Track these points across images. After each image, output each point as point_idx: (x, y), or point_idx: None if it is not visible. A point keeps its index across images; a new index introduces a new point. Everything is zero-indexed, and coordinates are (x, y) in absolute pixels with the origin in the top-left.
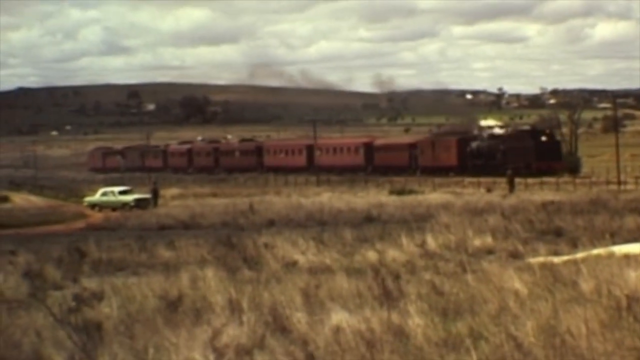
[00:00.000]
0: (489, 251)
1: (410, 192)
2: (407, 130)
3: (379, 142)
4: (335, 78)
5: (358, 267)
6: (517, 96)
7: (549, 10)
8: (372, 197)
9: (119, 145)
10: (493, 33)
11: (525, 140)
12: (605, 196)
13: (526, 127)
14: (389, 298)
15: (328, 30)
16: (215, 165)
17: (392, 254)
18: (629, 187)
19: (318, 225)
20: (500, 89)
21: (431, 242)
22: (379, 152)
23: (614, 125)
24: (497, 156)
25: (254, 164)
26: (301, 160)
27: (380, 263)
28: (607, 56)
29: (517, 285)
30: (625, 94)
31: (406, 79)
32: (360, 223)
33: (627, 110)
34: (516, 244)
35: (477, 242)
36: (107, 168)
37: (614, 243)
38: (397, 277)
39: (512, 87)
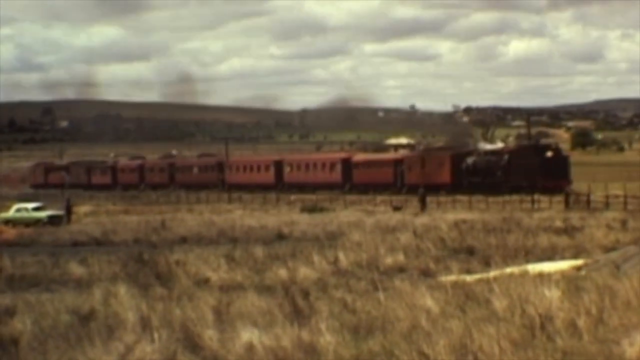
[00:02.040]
0: (401, 269)
1: (322, 209)
2: (318, 148)
3: (359, 157)
4: (247, 95)
5: (269, 284)
6: (430, 114)
7: (461, 28)
8: (284, 214)
9: (63, 161)
10: (405, 51)
11: (529, 156)
12: (518, 215)
13: (529, 142)
14: (300, 316)
15: (240, 47)
16: (170, 182)
17: (304, 271)
18: (542, 205)
19: (230, 242)
20: (412, 107)
21: (343, 260)
22: (358, 169)
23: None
24: (496, 173)
25: (215, 180)
26: (269, 177)
27: (291, 281)
28: (521, 74)
29: (429, 303)
30: (540, 111)
31: (318, 97)
32: (271, 241)
33: (541, 128)
34: (428, 262)
35: (388, 260)
36: (50, 184)
37: (528, 262)
38: (308, 294)
39: (425, 105)
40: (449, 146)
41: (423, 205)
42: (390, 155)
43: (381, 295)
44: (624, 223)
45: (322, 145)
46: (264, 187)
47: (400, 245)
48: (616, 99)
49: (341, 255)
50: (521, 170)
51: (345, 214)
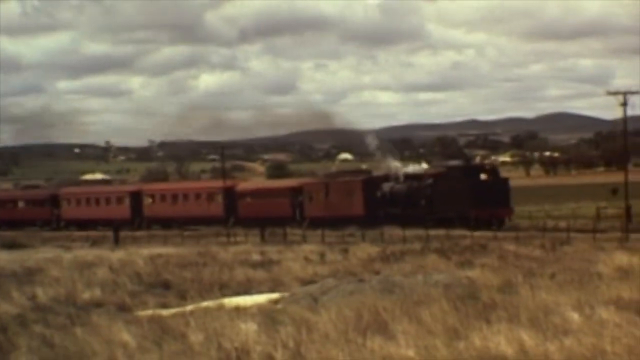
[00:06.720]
0: (98, 304)
1: (21, 245)
2: (16, 185)
3: (245, 186)
4: None
5: None
6: (125, 149)
7: (151, 63)
8: None
9: None
10: (98, 87)
11: (458, 180)
12: (214, 249)
13: (457, 163)
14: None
15: None
16: None
17: (3, 307)
18: (238, 239)
19: None
20: (107, 143)
21: (42, 296)
22: (245, 200)
23: (222, 175)
24: (420, 202)
25: (48, 216)
26: (123, 210)
27: None
28: (213, 107)
29: (126, 337)
30: (234, 144)
31: (14, 135)
32: None
33: (236, 162)
34: (124, 297)
35: (86, 295)
36: None
37: (224, 295)
38: (6, 330)
39: (121, 140)
40: (357, 170)
41: (116, 240)
42: (286, 182)
43: (79, 330)
44: (322, 256)
45: (19, 183)
46: (116, 223)
47: (98, 281)
48: (312, 130)
49: (39, 291)
50: (449, 198)
51: (44, 250)
